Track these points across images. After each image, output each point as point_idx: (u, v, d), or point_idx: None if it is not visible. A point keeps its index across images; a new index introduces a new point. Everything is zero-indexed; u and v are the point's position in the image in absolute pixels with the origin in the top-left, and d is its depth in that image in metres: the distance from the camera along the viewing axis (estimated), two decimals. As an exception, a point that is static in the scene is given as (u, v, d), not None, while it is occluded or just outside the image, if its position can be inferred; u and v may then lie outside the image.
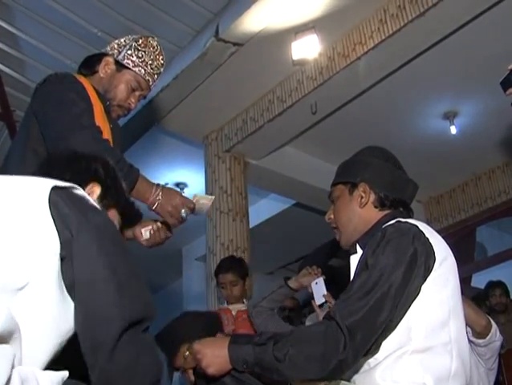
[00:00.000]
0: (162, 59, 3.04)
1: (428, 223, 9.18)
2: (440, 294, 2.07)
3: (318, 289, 3.64)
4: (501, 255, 9.12)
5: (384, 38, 5.88)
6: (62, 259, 1.45)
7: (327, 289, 3.65)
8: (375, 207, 2.32)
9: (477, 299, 7.03)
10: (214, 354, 2.12)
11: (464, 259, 9.15)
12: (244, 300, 4.96)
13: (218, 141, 7.68)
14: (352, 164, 2.47)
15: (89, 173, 1.90)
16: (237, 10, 5.83)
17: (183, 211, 2.60)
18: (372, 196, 2.33)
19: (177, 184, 9.33)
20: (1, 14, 6.27)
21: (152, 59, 2.96)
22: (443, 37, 6.00)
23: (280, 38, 6.17)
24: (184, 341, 3.10)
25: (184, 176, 9.17)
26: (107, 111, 2.87)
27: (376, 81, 6.60)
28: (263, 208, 9.80)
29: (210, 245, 7.21)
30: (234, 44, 6.13)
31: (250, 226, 7.56)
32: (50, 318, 1.42)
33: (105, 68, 2.91)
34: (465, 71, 6.84)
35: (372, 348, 2.00)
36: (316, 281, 3.66)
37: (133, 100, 2.94)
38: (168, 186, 2.71)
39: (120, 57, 2.92)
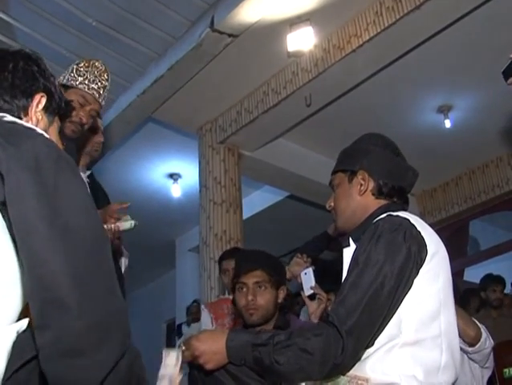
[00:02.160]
0: (107, 75, 3.20)
1: (422, 216, 9.21)
2: (431, 287, 2.08)
3: (307, 280, 3.62)
4: (493, 249, 9.15)
5: (379, 30, 5.88)
6: (3, 204, 1.34)
7: (317, 282, 3.64)
8: (373, 194, 2.32)
9: (471, 290, 7.04)
10: (212, 351, 2.11)
11: (457, 253, 9.17)
12: None
13: (212, 132, 7.67)
14: (352, 151, 2.46)
15: (32, 83, 1.76)
16: (233, 1, 5.81)
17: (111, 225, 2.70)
18: (371, 184, 2.33)
19: (171, 175, 9.32)
20: (-5, 2, 6.27)
21: (95, 76, 3.13)
22: (438, 30, 6.00)
23: (275, 30, 6.16)
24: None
25: (177, 167, 9.15)
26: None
27: (371, 74, 6.60)
28: (257, 200, 9.81)
29: (204, 236, 7.22)
30: (229, 35, 6.12)
31: (244, 218, 7.56)
32: (9, 273, 1.36)
33: None
34: (460, 65, 6.84)
35: (369, 344, 2.01)
36: (305, 271, 3.64)
37: (83, 114, 3.08)
38: None
39: (65, 80, 3.12)
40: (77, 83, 3.09)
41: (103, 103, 3.18)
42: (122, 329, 1.39)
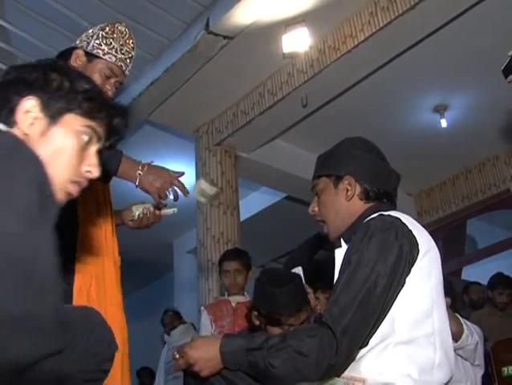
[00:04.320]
0: (132, 43, 3.01)
1: (419, 216, 9.24)
2: (423, 286, 2.08)
3: None
4: (491, 248, 9.15)
5: (374, 31, 5.89)
6: None
7: (311, 282, 3.64)
8: (361, 199, 2.31)
9: (475, 289, 7.03)
10: (206, 358, 2.10)
11: (454, 252, 9.18)
12: (245, 292, 4.99)
13: (209, 134, 7.67)
14: (335, 155, 2.43)
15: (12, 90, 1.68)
16: (228, 3, 5.82)
17: (169, 189, 2.60)
18: (358, 189, 2.31)
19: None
20: (-10, 6, 6.26)
21: (121, 44, 2.94)
22: (433, 30, 6.01)
23: (270, 32, 6.17)
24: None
25: (174, 170, 9.12)
26: None
27: (367, 74, 6.61)
28: (254, 202, 9.81)
29: (201, 237, 7.22)
30: (225, 37, 6.12)
31: (241, 219, 7.56)
32: None
33: (76, 61, 2.90)
34: (456, 65, 6.85)
35: (364, 344, 2.01)
36: (294, 270, 3.64)
37: (109, 87, 2.90)
38: (156, 164, 2.70)
39: (89, 48, 2.91)
40: (103, 52, 2.87)
41: (127, 73, 3.00)
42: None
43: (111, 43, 2.89)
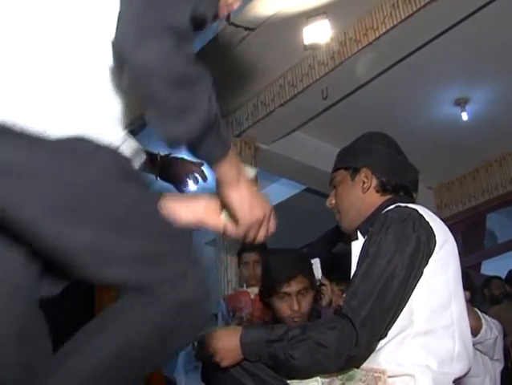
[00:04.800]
0: None
1: (438, 210, 9.20)
2: (441, 277, 2.09)
3: (314, 271, 3.61)
4: (511, 242, 9.10)
5: (396, 23, 5.86)
6: None
7: (328, 274, 3.63)
8: (377, 192, 2.33)
9: (497, 283, 6.99)
10: (227, 349, 2.13)
11: (474, 246, 9.14)
12: None
13: (229, 125, 7.66)
14: (354, 149, 2.47)
15: None
16: (249, -6, 5.81)
17: (190, 176, 2.66)
18: (374, 181, 2.34)
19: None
20: None
21: None
22: (455, 22, 5.97)
23: (292, 23, 6.15)
24: None
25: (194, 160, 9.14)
26: None
27: (388, 66, 6.58)
28: (273, 193, 9.77)
29: (220, 229, 7.20)
30: (246, 28, 6.12)
31: (260, 211, 7.54)
32: None
33: None
34: (477, 57, 6.80)
35: (383, 335, 2.02)
36: (312, 262, 3.63)
37: None
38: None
39: None
40: None
41: None
42: None
43: None
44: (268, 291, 3.14)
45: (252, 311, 4.81)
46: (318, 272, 3.56)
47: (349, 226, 2.39)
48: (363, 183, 2.34)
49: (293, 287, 3.07)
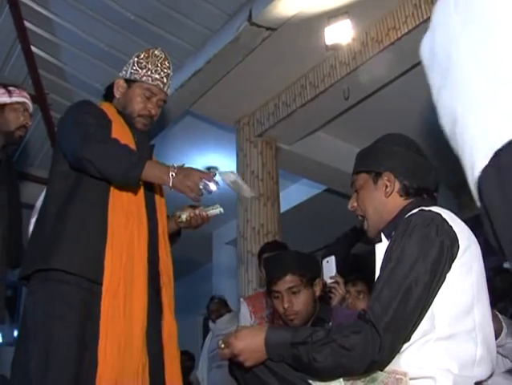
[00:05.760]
0: (168, 63, 3.24)
1: (460, 210, 9.13)
2: (463, 282, 2.07)
3: (328, 269, 3.60)
4: (533, 244, 9.02)
5: (418, 23, 5.82)
6: None
7: (345, 275, 3.63)
8: (400, 196, 2.33)
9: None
10: (251, 349, 2.14)
11: (495, 248, 9.07)
12: None
13: (250, 126, 7.68)
14: (375, 152, 2.46)
15: None
16: (271, -6, 5.81)
17: (201, 184, 2.66)
18: (397, 185, 2.33)
19: (208, 169, 9.34)
20: (36, -3, 6.32)
21: (156, 66, 3.17)
22: (478, 23, 5.93)
23: (313, 23, 6.14)
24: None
25: (215, 161, 9.17)
26: (131, 125, 3.11)
27: (410, 67, 6.55)
28: (294, 194, 9.79)
29: (241, 229, 7.23)
30: (267, 29, 6.11)
31: (281, 211, 7.56)
32: None
33: (118, 90, 3.19)
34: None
35: (406, 339, 2.02)
36: (327, 259, 3.62)
37: (151, 106, 3.14)
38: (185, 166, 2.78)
39: (128, 75, 3.17)
40: (140, 76, 3.12)
41: (168, 91, 3.23)
42: None
43: (146, 66, 3.14)
44: (267, 291, 3.37)
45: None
46: (332, 269, 3.57)
47: (373, 229, 2.39)
48: (386, 187, 2.34)
49: (280, 286, 3.22)
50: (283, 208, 7.89)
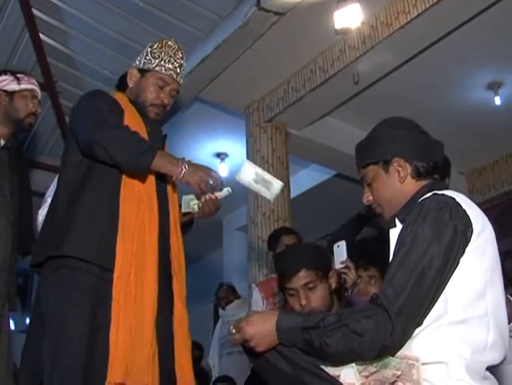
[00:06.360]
0: (181, 53, 3.23)
1: (471, 195, 9.13)
2: (477, 266, 2.06)
3: (339, 253, 3.57)
4: (545, 227, 9.01)
5: (427, 6, 5.79)
6: None
7: (354, 260, 3.61)
8: (413, 178, 2.30)
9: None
10: (262, 334, 2.13)
11: (506, 232, 9.05)
12: None
13: (260, 111, 7.67)
14: (376, 140, 2.42)
15: None
16: (279, -22, 5.78)
17: (211, 180, 2.68)
18: (409, 168, 2.31)
19: (218, 155, 9.34)
20: (44, -15, 6.31)
21: (169, 56, 3.17)
22: (487, 6, 5.91)
23: (322, 7, 6.12)
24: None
25: (225, 147, 9.17)
26: (143, 114, 3.12)
27: (419, 51, 6.52)
28: (304, 179, 9.78)
29: (251, 215, 7.23)
30: (276, 13, 6.09)
31: (291, 196, 7.55)
32: None
33: (131, 79, 3.21)
34: (510, 41, 6.72)
35: (418, 324, 2.01)
36: (338, 244, 3.60)
37: (164, 96, 3.16)
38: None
39: (141, 64, 3.19)
40: (153, 65, 3.13)
41: (181, 81, 3.22)
42: None
43: (159, 56, 3.15)
44: (280, 288, 3.21)
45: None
46: (343, 254, 3.54)
47: (390, 216, 2.37)
48: (399, 172, 2.31)
49: (295, 282, 3.07)
50: (293, 193, 7.88)
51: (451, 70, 7.21)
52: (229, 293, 7.69)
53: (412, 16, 5.94)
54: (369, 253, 4.10)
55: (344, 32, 6.40)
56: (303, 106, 7.31)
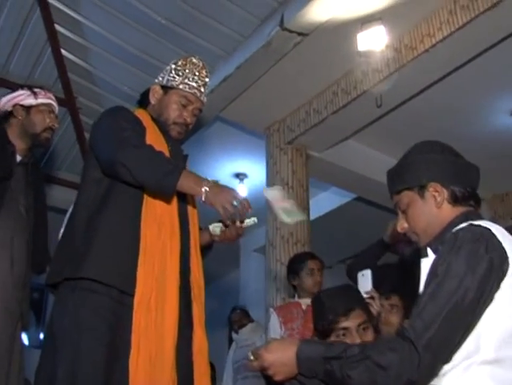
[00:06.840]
0: (205, 72, 3.19)
1: (493, 221, 9.01)
2: None
3: (364, 283, 3.48)
4: None
5: (453, 30, 5.74)
6: None
7: (377, 288, 3.52)
8: (450, 203, 2.23)
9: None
10: (282, 363, 2.07)
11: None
12: None
13: (280, 132, 7.63)
14: (410, 166, 2.34)
15: None
16: (303, -1, 5.75)
17: (235, 202, 2.60)
18: (445, 193, 2.23)
19: (237, 175, 9.32)
20: (66, 0, 6.32)
21: (194, 74, 3.12)
22: (513, 30, 5.84)
23: (346, 29, 6.08)
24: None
25: (244, 167, 9.15)
26: (165, 132, 3.07)
27: (444, 74, 6.46)
28: (324, 202, 9.74)
29: (270, 237, 7.18)
30: (299, 34, 6.06)
31: (310, 219, 7.50)
32: None
33: (154, 96, 3.14)
34: (537, 66, 6.66)
35: (447, 360, 1.92)
36: (363, 272, 3.51)
37: (187, 114, 3.11)
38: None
39: (165, 81, 3.13)
40: (177, 83, 3.07)
41: (204, 100, 3.18)
42: None
43: (183, 74, 3.10)
44: (325, 332, 2.91)
45: (304, 322, 4.75)
46: (368, 284, 3.45)
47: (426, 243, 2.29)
48: (435, 198, 2.24)
49: (351, 321, 2.87)
50: (313, 216, 7.83)
51: (476, 94, 7.14)
52: (242, 317, 7.66)
53: (438, 39, 5.88)
54: (389, 279, 4.03)
55: (368, 54, 6.33)
56: (325, 128, 7.26)
